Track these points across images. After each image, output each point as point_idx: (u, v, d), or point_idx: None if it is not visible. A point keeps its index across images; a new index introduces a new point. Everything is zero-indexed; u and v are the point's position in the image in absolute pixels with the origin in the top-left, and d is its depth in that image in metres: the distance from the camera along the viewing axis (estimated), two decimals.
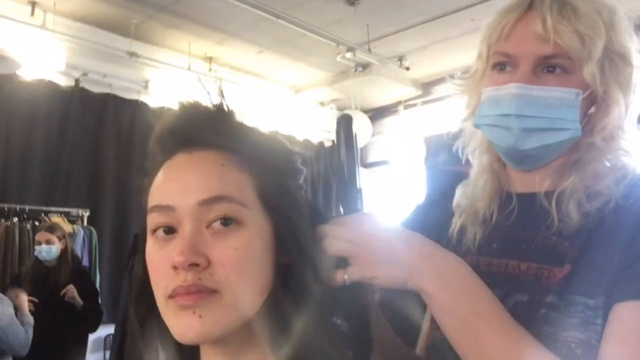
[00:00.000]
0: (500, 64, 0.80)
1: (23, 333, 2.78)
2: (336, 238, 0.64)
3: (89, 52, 4.34)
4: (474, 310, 0.65)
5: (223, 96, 0.59)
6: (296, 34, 4.39)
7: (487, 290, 0.67)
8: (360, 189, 0.69)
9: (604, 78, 0.76)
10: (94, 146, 4.43)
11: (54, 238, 3.20)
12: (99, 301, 3.49)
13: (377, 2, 4.01)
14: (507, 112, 0.77)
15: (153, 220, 0.55)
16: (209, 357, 0.58)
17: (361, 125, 5.18)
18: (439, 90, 5.70)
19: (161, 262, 0.53)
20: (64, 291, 3.15)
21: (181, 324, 0.51)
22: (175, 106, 0.60)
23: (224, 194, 0.53)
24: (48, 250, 3.17)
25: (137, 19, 4.29)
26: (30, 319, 2.90)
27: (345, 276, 0.63)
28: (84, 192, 4.32)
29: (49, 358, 3.05)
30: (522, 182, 0.84)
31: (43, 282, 3.19)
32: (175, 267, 0.51)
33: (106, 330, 4.08)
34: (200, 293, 0.51)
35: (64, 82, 4.31)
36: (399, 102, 5.96)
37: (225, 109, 0.59)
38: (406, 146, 5.36)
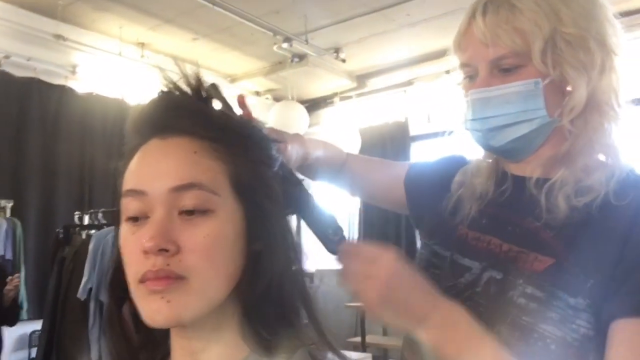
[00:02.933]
0: (468, 73, 0.85)
1: None
2: (354, 271, 0.68)
3: (11, 34, 4.10)
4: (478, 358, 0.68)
5: (201, 83, 0.60)
6: (233, 22, 4.33)
7: (487, 338, 0.70)
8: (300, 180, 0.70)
9: (556, 62, 0.77)
10: (17, 133, 4.19)
11: None
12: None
13: None
14: (472, 117, 0.83)
15: (126, 204, 0.55)
16: (179, 341, 0.59)
17: (298, 116, 5.21)
18: (373, 83, 5.81)
19: (133, 246, 0.54)
20: (12, 277, 3.13)
21: (150, 308, 0.52)
22: (102, 93, 0.59)
23: (195, 181, 0.54)
24: None
25: (64, 0, 4.09)
26: None
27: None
28: (7, 182, 4.09)
29: None
30: (516, 169, 0.87)
31: None
32: (145, 252, 0.52)
33: (31, 326, 3.91)
34: (169, 279, 0.52)
35: None
36: (335, 94, 6.02)
37: (202, 95, 0.60)
38: (342, 137, 5.42)
